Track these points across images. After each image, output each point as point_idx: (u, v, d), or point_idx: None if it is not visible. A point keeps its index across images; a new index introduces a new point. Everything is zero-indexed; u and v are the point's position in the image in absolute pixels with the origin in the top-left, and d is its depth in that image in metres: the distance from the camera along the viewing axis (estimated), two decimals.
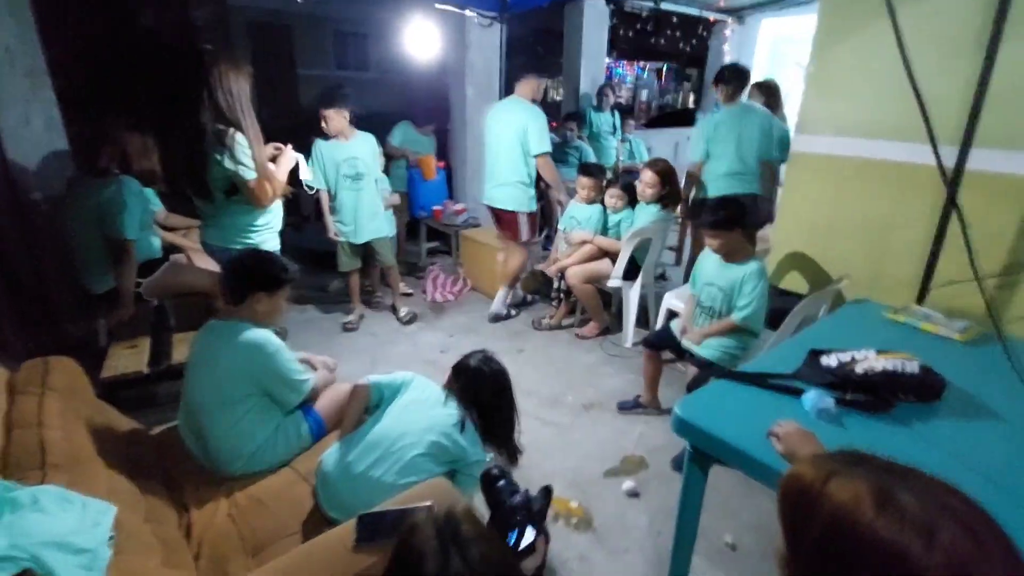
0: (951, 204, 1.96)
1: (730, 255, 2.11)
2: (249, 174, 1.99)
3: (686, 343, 2.27)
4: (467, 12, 4.18)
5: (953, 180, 1.95)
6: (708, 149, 3.27)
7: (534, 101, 3.21)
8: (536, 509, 1.27)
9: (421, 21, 3.95)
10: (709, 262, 2.23)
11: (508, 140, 3.14)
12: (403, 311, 3.50)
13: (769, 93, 3.56)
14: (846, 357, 1.42)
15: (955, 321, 1.79)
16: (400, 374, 1.68)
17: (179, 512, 1.40)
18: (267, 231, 2.21)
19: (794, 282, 2.58)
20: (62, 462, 1.21)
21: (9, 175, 2.42)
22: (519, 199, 3.26)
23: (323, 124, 3.06)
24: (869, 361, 1.37)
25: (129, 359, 2.10)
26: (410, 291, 3.91)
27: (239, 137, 1.96)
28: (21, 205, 2.44)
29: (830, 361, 1.43)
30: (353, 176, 3.12)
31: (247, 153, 1.98)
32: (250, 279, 1.60)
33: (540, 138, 3.09)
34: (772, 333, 2.29)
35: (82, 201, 2.37)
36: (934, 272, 2.09)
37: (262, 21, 8.07)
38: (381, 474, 1.42)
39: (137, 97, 3.00)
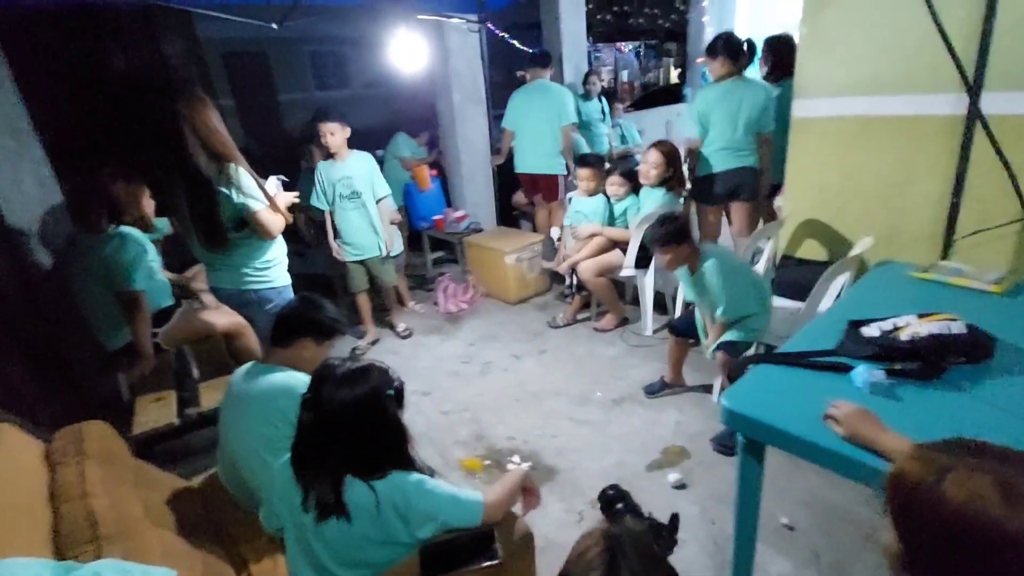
0: (968, 147, 1.93)
1: (686, 266, 2.23)
2: (258, 204, 1.98)
3: (707, 353, 2.33)
4: (453, 20, 4.13)
5: (969, 126, 1.91)
6: (704, 126, 3.15)
7: None
8: (664, 538, 1.02)
9: (399, 34, 3.89)
10: (681, 279, 2.36)
11: (548, 116, 3.80)
12: (400, 326, 3.54)
13: (787, 51, 3.10)
14: (888, 325, 1.39)
15: (987, 273, 1.75)
16: None
17: (237, 567, 1.39)
18: (277, 267, 2.19)
19: (811, 250, 2.55)
20: (113, 532, 1.20)
21: (9, 241, 2.39)
22: (559, 164, 3.94)
23: (324, 139, 2.97)
24: (913, 327, 1.34)
25: (159, 412, 2.08)
26: (422, 309, 3.87)
27: (240, 169, 1.95)
28: (24, 270, 2.41)
29: (871, 331, 1.40)
30: (350, 196, 3.09)
31: (252, 184, 1.97)
32: (302, 325, 1.58)
33: (572, 110, 3.87)
34: (783, 300, 2.42)
35: (83, 260, 2.32)
36: (956, 224, 2.05)
37: (235, 51, 8.03)
38: None
39: (124, 145, 2.96)
